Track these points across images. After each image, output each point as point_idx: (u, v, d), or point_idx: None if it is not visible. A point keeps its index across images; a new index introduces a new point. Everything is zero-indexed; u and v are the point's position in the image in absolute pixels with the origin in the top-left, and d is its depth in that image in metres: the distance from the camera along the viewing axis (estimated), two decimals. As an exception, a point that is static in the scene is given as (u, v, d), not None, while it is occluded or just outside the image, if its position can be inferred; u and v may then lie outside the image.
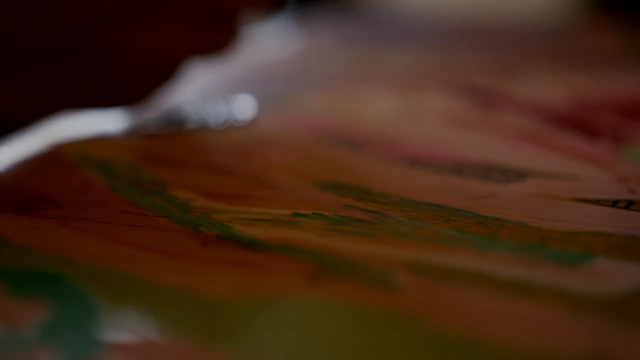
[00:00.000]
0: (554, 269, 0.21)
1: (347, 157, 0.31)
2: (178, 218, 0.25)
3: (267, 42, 0.49)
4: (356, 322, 0.19)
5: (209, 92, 0.41)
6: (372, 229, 0.24)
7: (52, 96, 0.33)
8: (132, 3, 0.32)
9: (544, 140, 0.32)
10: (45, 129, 0.35)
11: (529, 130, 0.33)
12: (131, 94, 0.34)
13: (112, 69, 0.33)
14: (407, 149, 0.31)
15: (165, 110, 0.37)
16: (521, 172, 0.28)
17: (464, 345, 0.18)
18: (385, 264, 0.22)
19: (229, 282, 0.21)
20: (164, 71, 0.34)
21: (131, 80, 0.34)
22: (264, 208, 0.26)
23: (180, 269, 0.22)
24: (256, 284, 0.21)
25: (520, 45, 0.54)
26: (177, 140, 0.33)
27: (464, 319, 0.19)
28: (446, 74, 0.45)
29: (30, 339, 0.19)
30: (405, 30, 0.61)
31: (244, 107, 0.37)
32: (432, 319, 0.19)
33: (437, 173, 0.29)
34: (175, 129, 0.35)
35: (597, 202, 0.26)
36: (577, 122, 0.34)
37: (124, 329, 0.19)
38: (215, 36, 0.35)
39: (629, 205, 0.26)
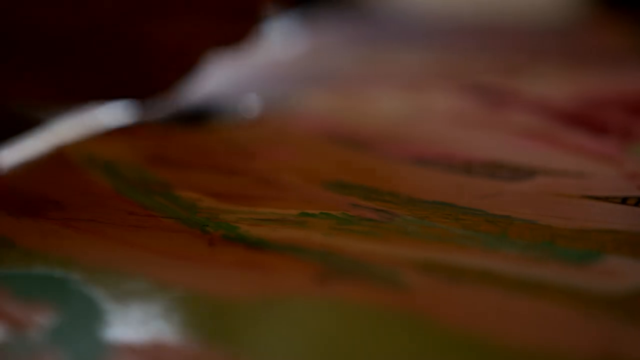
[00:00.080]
0: (564, 267, 0.21)
1: (354, 156, 0.30)
2: (184, 219, 0.25)
3: (273, 41, 0.49)
4: (365, 322, 0.19)
5: (218, 90, 0.41)
6: (380, 228, 0.24)
7: (76, 87, 0.34)
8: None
9: (552, 138, 0.32)
10: (49, 128, 0.35)
11: (537, 128, 0.33)
12: (152, 86, 0.36)
13: (135, 62, 0.34)
14: (415, 147, 0.31)
15: (181, 104, 0.38)
16: (530, 170, 0.28)
17: (473, 345, 0.18)
18: (393, 264, 0.22)
19: (236, 283, 0.21)
20: (184, 64, 0.35)
21: (152, 72, 0.35)
22: (271, 208, 0.25)
23: (187, 270, 0.22)
24: (264, 284, 0.21)
25: (526, 44, 0.54)
26: (182, 140, 0.33)
27: (473, 318, 0.19)
28: (452, 72, 0.44)
29: (37, 342, 0.19)
30: (410, 29, 0.61)
31: (250, 105, 0.37)
32: (441, 318, 0.19)
33: (445, 172, 0.29)
34: (187, 123, 0.35)
35: (606, 199, 0.26)
36: (585, 120, 0.34)
37: (131, 331, 0.19)
38: (235, 30, 0.36)
39: (638, 202, 0.26)
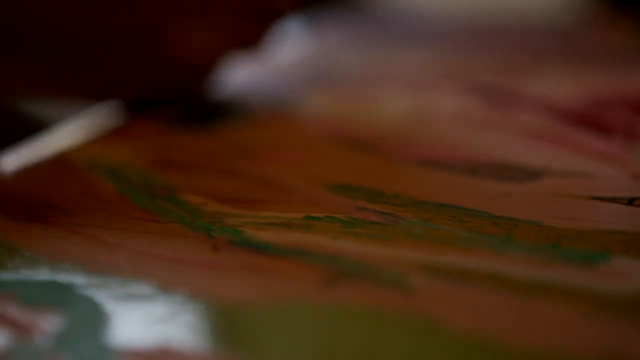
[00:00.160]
0: (570, 269, 0.21)
1: (359, 158, 0.30)
2: (189, 223, 0.25)
3: (279, 43, 0.49)
4: (372, 326, 0.19)
5: (232, 91, 0.42)
6: (386, 231, 0.24)
7: (94, 88, 0.36)
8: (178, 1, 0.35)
9: (557, 139, 0.32)
10: (53, 132, 0.35)
11: (542, 129, 0.33)
12: (170, 87, 0.37)
13: (154, 63, 0.36)
14: (419, 149, 0.31)
15: (197, 104, 0.39)
16: (535, 171, 0.28)
17: (479, 347, 0.18)
18: (399, 266, 0.22)
19: (242, 287, 0.21)
20: (202, 66, 0.37)
21: (175, 73, 0.37)
22: (276, 212, 0.25)
23: (193, 275, 0.22)
24: (269, 288, 0.21)
25: (529, 43, 0.54)
26: (186, 143, 0.33)
27: (479, 321, 0.19)
28: (456, 73, 0.44)
29: (43, 348, 0.19)
30: (414, 30, 0.61)
31: (257, 107, 0.37)
32: (448, 321, 0.19)
33: (450, 173, 0.28)
34: (194, 124, 0.35)
35: (612, 200, 0.26)
36: (590, 120, 0.34)
37: (136, 336, 0.19)
38: (251, 32, 0.38)
39: (645, 202, 0.26)
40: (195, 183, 0.28)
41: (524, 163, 0.29)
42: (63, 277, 0.22)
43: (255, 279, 0.21)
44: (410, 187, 0.27)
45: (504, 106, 0.37)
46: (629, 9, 0.64)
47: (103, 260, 0.23)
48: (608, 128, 0.33)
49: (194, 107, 0.38)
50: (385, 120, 0.36)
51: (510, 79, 0.42)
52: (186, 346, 0.18)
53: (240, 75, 0.43)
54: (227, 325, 0.19)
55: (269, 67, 0.46)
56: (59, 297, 0.21)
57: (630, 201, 0.26)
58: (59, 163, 0.31)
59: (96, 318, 0.20)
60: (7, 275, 0.22)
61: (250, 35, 0.37)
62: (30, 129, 0.36)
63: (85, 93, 0.36)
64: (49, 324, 0.19)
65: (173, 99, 0.38)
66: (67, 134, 0.34)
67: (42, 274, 0.22)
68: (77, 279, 0.22)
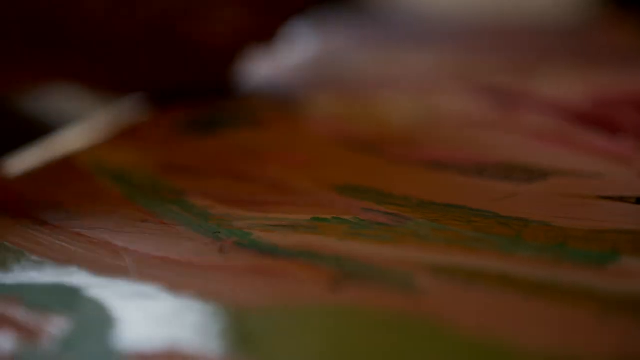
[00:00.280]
0: (580, 269, 0.21)
1: (366, 160, 0.30)
2: (196, 226, 0.25)
3: (285, 45, 0.49)
4: (379, 327, 0.19)
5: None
6: (393, 232, 0.24)
7: (117, 80, 0.38)
8: None
9: (564, 139, 0.32)
10: (59, 135, 0.35)
11: (550, 129, 0.33)
12: (193, 81, 0.39)
13: (176, 57, 0.38)
14: (427, 150, 0.31)
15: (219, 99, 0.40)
16: (543, 171, 0.28)
17: (488, 348, 0.18)
18: (406, 267, 0.21)
19: (249, 289, 0.21)
20: (223, 60, 0.39)
21: (193, 67, 0.38)
22: (283, 214, 0.25)
23: (200, 277, 0.22)
24: (277, 290, 0.21)
25: (538, 44, 0.54)
26: (193, 145, 0.33)
27: (488, 322, 0.19)
28: (464, 73, 0.44)
29: (50, 351, 0.19)
30: (421, 31, 0.61)
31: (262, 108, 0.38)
32: (456, 322, 0.19)
33: (458, 174, 0.28)
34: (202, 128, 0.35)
35: (620, 199, 0.26)
36: (598, 120, 0.34)
37: (143, 338, 0.19)
38: (269, 26, 0.39)
39: (653, 202, 0.26)
40: (202, 186, 0.28)
41: (531, 163, 0.29)
42: (69, 281, 0.22)
43: (262, 281, 0.21)
44: (417, 188, 0.27)
45: (511, 107, 0.37)
46: (636, 9, 0.64)
47: (110, 264, 0.23)
48: (615, 128, 0.33)
49: (203, 110, 0.38)
50: (392, 121, 0.36)
51: (517, 79, 0.42)
52: (194, 348, 0.18)
53: (255, 72, 0.44)
54: (234, 327, 0.19)
55: (276, 68, 0.46)
56: (65, 300, 0.21)
57: (639, 200, 0.26)
58: (66, 166, 0.31)
59: (103, 321, 0.20)
60: (14, 279, 0.22)
61: (268, 28, 0.38)
62: (36, 131, 0.37)
63: (111, 85, 0.38)
64: (55, 327, 0.19)
65: (196, 91, 0.39)
66: (73, 137, 0.34)
67: (49, 278, 0.22)
68: (83, 282, 0.22)
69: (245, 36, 0.38)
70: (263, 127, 0.35)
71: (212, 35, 0.37)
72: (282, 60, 0.47)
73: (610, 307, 0.19)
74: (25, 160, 0.31)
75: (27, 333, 0.19)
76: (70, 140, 0.34)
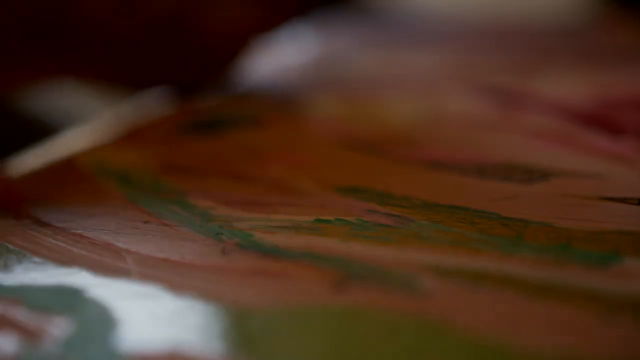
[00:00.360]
0: (583, 270, 0.21)
1: (368, 160, 0.30)
2: (198, 227, 0.25)
3: (286, 45, 0.49)
4: (383, 329, 0.19)
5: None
6: (396, 233, 0.24)
7: (124, 74, 0.38)
8: None
9: (566, 139, 0.32)
10: (61, 136, 0.35)
11: (552, 129, 0.33)
12: (198, 73, 0.39)
13: (180, 48, 0.38)
14: (429, 151, 0.31)
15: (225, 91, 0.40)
16: (545, 172, 0.28)
17: (491, 350, 0.18)
18: (409, 269, 0.21)
19: (251, 291, 0.21)
20: (229, 51, 0.39)
21: (198, 59, 0.39)
22: (285, 215, 0.25)
23: (202, 279, 0.22)
24: (279, 292, 0.21)
25: (539, 44, 0.54)
26: (195, 146, 0.33)
27: (492, 323, 0.19)
28: (466, 74, 0.44)
29: (52, 353, 0.18)
30: (423, 31, 0.61)
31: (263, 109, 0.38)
32: (460, 323, 0.19)
33: (460, 175, 0.28)
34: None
35: (623, 200, 0.26)
36: (600, 120, 0.34)
37: (145, 340, 0.19)
38: (273, 18, 0.39)
39: (656, 203, 0.26)
40: (204, 186, 0.28)
41: (533, 164, 0.29)
42: (71, 282, 0.22)
43: (264, 282, 0.21)
44: (419, 189, 0.27)
45: (513, 107, 0.37)
46: (638, 9, 0.64)
47: (111, 265, 0.23)
48: (617, 128, 0.33)
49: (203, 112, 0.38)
50: (394, 121, 0.36)
51: (519, 79, 0.42)
52: (196, 350, 0.18)
53: (257, 70, 0.44)
54: (236, 329, 0.19)
55: (278, 68, 0.46)
56: (67, 301, 0.21)
57: (641, 201, 0.26)
58: (67, 167, 0.31)
59: (105, 322, 0.20)
60: (15, 280, 0.22)
61: (271, 21, 0.39)
62: (38, 131, 0.37)
63: (114, 81, 0.38)
64: (57, 328, 0.19)
65: (200, 86, 0.39)
66: (75, 137, 0.34)
67: (50, 279, 0.22)
68: (85, 283, 0.22)
69: (249, 29, 0.38)
70: (265, 128, 0.35)
71: (216, 28, 0.37)
72: (284, 61, 0.47)
73: (613, 308, 0.19)
74: (27, 161, 0.31)
75: (28, 334, 0.19)
76: (71, 141, 0.34)
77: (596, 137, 0.32)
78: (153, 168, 0.30)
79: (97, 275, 0.22)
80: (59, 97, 0.42)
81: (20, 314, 0.20)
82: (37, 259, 0.23)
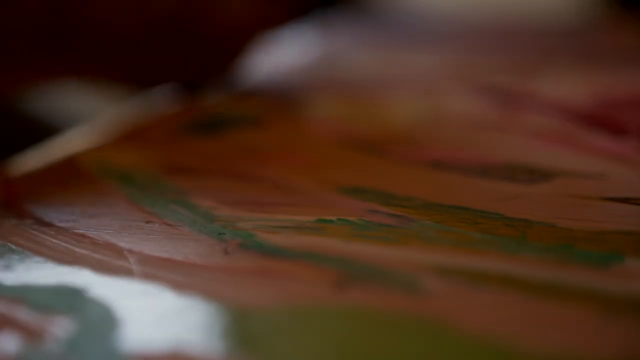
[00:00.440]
0: (585, 270, 0.21)
1: (370, 160, 0.30)
2: (200, 227, 0.25)
3: (289, 46, 0.49)
4: (385, 329, 0.19)
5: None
6: (398, 233, 0.24)
7: (128, 71, 0.38)
8: None
9: (569, 139, 0.32)
10: (62, 136, 0.35)
11: (554, 130, 0.33)
12: (202, 69, 0.40)
13: (186, 45, 0.38)
14: (431, 151, 0.31)
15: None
16: (547, 172, 0.28)
17: (494, 350, 0.18)
18: (412, 269, 0.21)
19: (253, 291, 0.21)
20: (233, 47, 0.39)
21: (202, 56, 0.39)
22: (287, 215, 0.25)
23: (205, 279, 0.22)
24: (281, 292, 0.21)
25: (541, 44, 0.54)
26: (196, 146, 0.33)
27: (493, 323, 0.19)
28: (467, 74, 0.44)
29: (54, 353, 0.18)
30: (424, 31, 0.61)
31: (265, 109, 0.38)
32: (462, 323, 0.19)
33: (462, 175, 0.28)
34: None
35: (624, 200, 0.26)
36: (602, 121, 0.34)
37: (147, 340, 0.19)
38: (274, 16, 0.40)
39: (658, 203, 0.26)
40: (206, 187, 0.28)
41: (535, 164, 0.29)
42: (73, 281, 0.22)
43: (266, 282, 0.21)
44: (421, 189, 0.27)
45: (514, 107, 0.37)
46: (639, 10, 0.64)
47: (114, 264, 0.23)
48: (619, 128, 0.33)
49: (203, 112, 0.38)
50: (395, 121, 0.36)
51: (520, 80, 0.42)
52: (198, 350, 0.18)
53: (259, 70, 0.44)
54: (238, 329, 0.19)
55: (280, 68, 0.46)
56: (69, 301, 0.21)
57: (643, 202, 0.26)
58: (69, 167, 0.31)
59: (107, 322, 0.20)
60: (17, 280, 0.22)
61: (274, 18, 0.39)
62: (41, 131, 0.37)
63: (119, 79, 0.38)
64: (59, 328, 0.19)
65: (205, 83, 0.40)
66: (77, 137, 0.34)
67: (52, 278, 0.22)
68: (87, 283, 0.22)
69: (250, 28, 0.38)
70: (266, 128, 0.35)
71: (218, 27, 0.37)
72: (285, 60, 0.47)
73: (615, 308, 0.19)
74: (29, 161, 0.31)
75: (30, 334, 0.19)
76: (73, 140, 0.34)
77: (597, 137, 0.32)
78: (155, 168, 0.30)
79: (99, 274, 0.22)
80: (62, 97, 0.42)
81: (22, 313, 0.20)
82: (39, 259, 0.23)
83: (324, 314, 0.20)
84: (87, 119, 0.40)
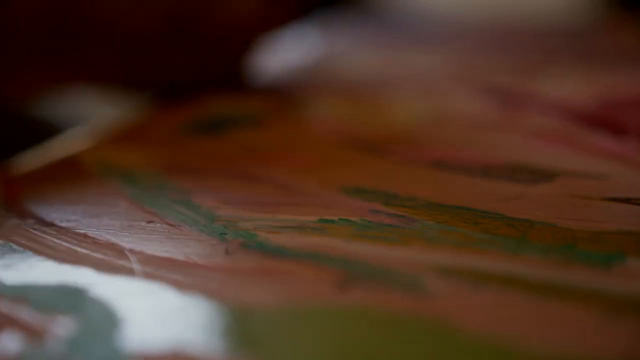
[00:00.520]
0: (587, 270, 0.21)
1: (372, 161, 0.30)
2: (202, 227, 0.25)
3: (290, 46, 0.49)
4: (387, 329, 0.19)
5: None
6: (399, 233, 0.24)
7: (132, 72, 0.38)
8: None
9: (571, 140, 0.32)
10: (64, 135, 0.35)
11: (555, 130, 0.33)
12: (208, 69, 0.40)
13: (195, 46, 0.38)
14: (433, 151, 0.31)
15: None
16: (549, 173, 0.28)
17: (496, 350, 0.18)
18: (414, 269, 0.21)
19: (255, 291, 0.21)
20: (234, 49, 0.40)
21: (207, 56, 0.39)
22: (289, 215, 0.25)
23: (207, 279, 0.22)
24: (283, 292, 0.21)
25: (543, 45, 0.54)
26: (198, 146, 0.33)
27: (496, 323, 0.19)
28: (469, 75, 0.44)
29: (56, 352, 0.18)
30: (427, 32, 0.61)
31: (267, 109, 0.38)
32: (463, 323, 0.19)
33: (464, 175, 0.28)
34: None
35: (627, 201, 0.26)
36: (604, 121, 0.34)
37: (149, 339, 0.19)
38: (276, 17, 0.40)
39: (659, 203, 0.25)
40: (208, 186, 0.28)
41: (537, 164, 0.29)
42: (75, 281, 0.22)
43: (268, 282, 0.21)
44: (423, 189, 0.27)
45: (516, 107, 0.37)
46: (639, 11, 0.64)
47: (115, 264, 0.23)
48: (621, 129, 0.33)
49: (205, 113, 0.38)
50: (397, 122, 0.36)
51: (522, 80, 0.42)
52: (199, 349, 0.18)
53: (262, 70, 0.44)
54: (240, 329, 0.19)
55: (282, 68, 0.46)
56: (71, 300, 0.21)
57: (645, 202, 0.26)
58: (71, 166, 0.31)
59: (109, 322, 0.20)
60: (19, 279, 0.22)
61: (278, 18, 0.39)
62: (43, 132, 0.37)
63: (126, 81, 0.39)
64: (61, 327, 0.19)
65: (210, 82, 0.40)
66: (79, 137, 0.34)
67: (54, 278, 0.22)
68: (89, 283, 0.22)
69: (251, 28, 0.38)
70: (268, 128, 0.35)
71: (220, 28, 0.37)
72: (287, 61, 0.47)
73: (616, 309, 0.19)
74: (31, 161, 0.31)
75: (32, 333, 0.19)
76: (75, 140, 0.34)
77: (598, 138, 0.32)
78: (157, 168, 0.30)
79: (100, 274, 0.22)
80: (71, 103, 0.42)
81: (24, 313, 0.20)
82: (40, 258, 0.23)
83: (326, 314, 0.20)
84: (88, 119, 0.39)
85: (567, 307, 0.19)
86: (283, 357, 0.18)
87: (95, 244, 0.24)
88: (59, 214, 0.26)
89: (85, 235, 0.24)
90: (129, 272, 0.22)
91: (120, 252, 0.23)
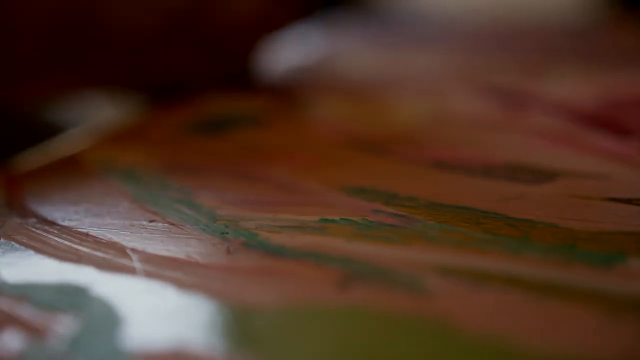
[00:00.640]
0: (588, 270, 0.21)
1: (374, 161, 0.30)
2: (204, 226, 0.25)
3: (292, 47, 0.49)
4: (387, 328, 0.19)
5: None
6: (400, 233, 0.24)
7: (136, 70, 0.38)
8: None
9: (572, 140, 0.32)
10: (66, 134, 0.35)
11: (557, 130, 0.33)
12: (210, 70, 0.40)
13: (197, 46, 0.39)
14: (435, 151, 0.31)
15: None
16: (550, 173, 0.28)
17: (497, 350, 0.18)
18: (415, 269, 0.21)
19: (256, 290, 0.21)
20: (237, 49, 0.40)
21: (222, 52, 0.39)
22: (291, 214, 0.25)
23: (208, 278, 0.22)
24: (284, 291, 0.21)
25: (545, 45, 0.54)
26: (200, 145, 0.33)
27: (497, 323, 0.19)
28: (470, 74, 0.44)
29: (57, 351, 0.18)
30: (429, 32, 0.61)
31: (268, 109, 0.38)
32: (464, 323, 0.19)
33: (466, 175, 0.28)
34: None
35: (628, 201, 0.26)
36: (606, 121, 0.34)
37: (150, 338, 0.19)
38: (279, 17, 0.41)
39: (661, 204, 0.25)
40: (209, 186, 0.28)
41: (539, 164, 0.29)
42: (76, 280, 0.22)
43: (269, 281, 0.21)
44: (425, 189, 0.27)
45: (518, 107, 0.37)
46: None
47: (117, 263, 0.23)
48: (622, 129, 0.33)
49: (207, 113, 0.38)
50: (398, 122, 0.36)
51: (524, 80, 0.42)
52: (200, 348, 0.18)
53: (266, 69, 0.44)
54: (241, 328, 0.19)
55: (284, 68, 0.46)
56: (72, 299, 0.21)
57: (646, 202, 0.26)
58: (73, 165, 0.31)
59: (110, 320, 0.20)
60: (21, 278, 0.22)
61: (282, 17, 0.39)
62: (44, 132, 0.37)
63: (132, 83, 0.39)
64: (62, 326, 0.19)
65: (216, 82, 0.40)
66: (81, 136, 0.34)
67: (56, 277, 0.22)
68: (90, 282, 0.22)
69: (255, 29, 0.38)
70: (270, 128, 0.35)
71: (221, 28, 0.37)
72: (290, 60, 0.47)
73: (618, 308, 0.19)
74: (33, 160, 0.31)
75: (34, 332, 0.19)
76: (77, 139, 0.34)
77: (600, 138, 0.32)
78: (158, 167, 0.30)
79: (102, 273, 0.22)
80: (74, 104, 0.42)
81: (25, 311, 0.20)
82: (42, 257, 0.23)
83: (326, 314, 0.20)
84: (89, 119, 0.40)
85: (567, 307, 0.19)
86: (283, 356, 0.18)
87: (97, 242, 0.24)
88: (61, 213, 0.26)
89: (86, 234, 0.24)
90: (130, 271, 0.22)
91: (121, 251, 0.23)
